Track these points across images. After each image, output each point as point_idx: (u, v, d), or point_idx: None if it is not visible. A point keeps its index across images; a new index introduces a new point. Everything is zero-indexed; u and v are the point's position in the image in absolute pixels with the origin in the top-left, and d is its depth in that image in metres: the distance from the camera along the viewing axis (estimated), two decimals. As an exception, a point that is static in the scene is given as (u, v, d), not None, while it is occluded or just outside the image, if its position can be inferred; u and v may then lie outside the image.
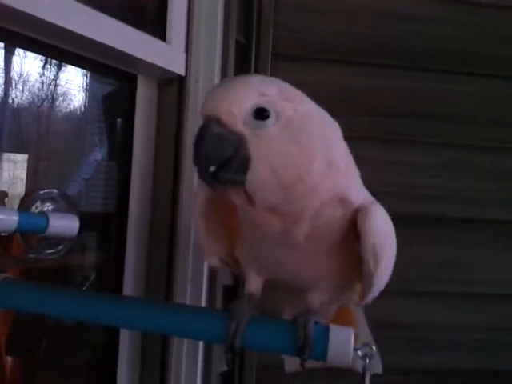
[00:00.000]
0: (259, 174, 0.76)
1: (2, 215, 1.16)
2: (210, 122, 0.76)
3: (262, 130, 0.76)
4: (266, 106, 0.76)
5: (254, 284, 1.03)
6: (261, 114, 0.76)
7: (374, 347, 0.89)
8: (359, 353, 0.90)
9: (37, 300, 1.09)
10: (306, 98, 0.84)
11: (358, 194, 0.89)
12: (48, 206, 1.31)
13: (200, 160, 0.77)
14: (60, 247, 1.32)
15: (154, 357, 1.56)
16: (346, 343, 0.89)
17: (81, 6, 1.29)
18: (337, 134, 0.87)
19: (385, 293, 1.82)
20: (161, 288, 1.56)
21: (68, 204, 1.38)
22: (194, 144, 0.78)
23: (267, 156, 0.75)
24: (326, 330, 0.92)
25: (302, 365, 0.91)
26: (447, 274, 1.90)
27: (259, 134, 0.76)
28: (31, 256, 1.31)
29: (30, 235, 1.28)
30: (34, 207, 1.29)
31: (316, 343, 0.91)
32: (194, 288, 1.53)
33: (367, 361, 0.89)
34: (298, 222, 0.82)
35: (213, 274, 1.54)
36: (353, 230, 0.88)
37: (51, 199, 1.33)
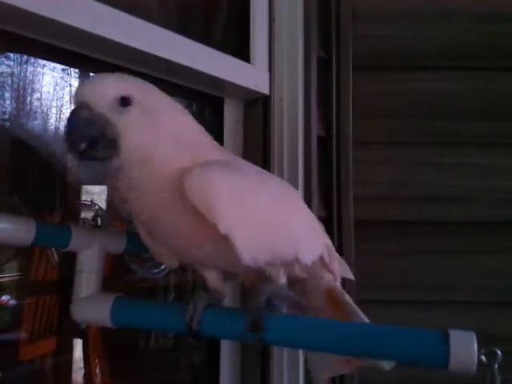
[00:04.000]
0: (127, 149, 0.90)
1: (112, 236, 1.22)
2: (80, 107, 0.90)
3: (126, 115, 0.91)
4: (128, 95, 0.91)
5: (210, 279, 1.07)
6: (124, 101, 0.91)
7: (499, 352, 0.85)
8: (483, 358, 0.86)
9: (150, 317, 1.13)
10: (158, 91, 0.98)
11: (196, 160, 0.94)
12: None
13: (69, 138, 0.90)
14: (163, 266, 1.37)
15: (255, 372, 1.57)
16: (470, 348, 0.85)
17: (169, 32, 1.36)
18: (183, 118, 1.00)
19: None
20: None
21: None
22: (66, 125, 0.91)
23: (131, 135, 0.91)
24: (446, 334, 0.89)
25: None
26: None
27: (125, 118, 0.90)
28: (138, 275, 1.36)
29: (136, 256, 1.34)
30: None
31: (435, 349, 0.89)
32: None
33: (495, 367, 0.84)
34: (146, 193, 0.93)
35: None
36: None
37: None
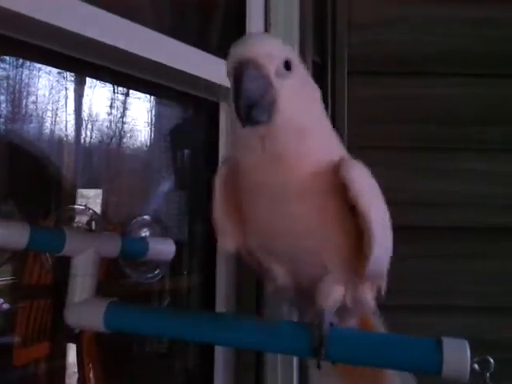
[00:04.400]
0: (284, 115, 0.82)
1: (107, 240, 1.22)
2: (246, 65, 0.80)
3: (287, 80, 0.83)
4: (290, 59, 0.84)
5: (279, 275, 0.98)
6: (288, 65, 0.84)
7: (491, 360, 0.85)
8: (476, 366, 0.86)
9: (143, 322, 1.12)
10: None
11: (338, 150, 0.93)
12: (145, 232, 1.36)
13: (240, 99, 0.80)
14: (157, 271, 1.36)
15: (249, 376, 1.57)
16: (463, 356, 0.85)
17: (164, 36, 1.37)
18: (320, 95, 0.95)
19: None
20: (251, 306, 1.57)
21: (161, 228, 1.42)
22: (234, 83, 0.82)
23: (291, 101, 0.83)
24: (439, 342, 0.88)
25: (319, 366, 0.88)
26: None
27: (286, 83, 0.83)
28: (133, 280, 1.36)
29: (130, 260, 1.33)
30: (131, 233, 1.35)
31: (429, 357, 0.89)
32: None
33: (487, 375, 0.84)
34: (295, 169, 0.86)
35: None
36: (339, 189, 0.87)
37: (147, 225, 1.38)
